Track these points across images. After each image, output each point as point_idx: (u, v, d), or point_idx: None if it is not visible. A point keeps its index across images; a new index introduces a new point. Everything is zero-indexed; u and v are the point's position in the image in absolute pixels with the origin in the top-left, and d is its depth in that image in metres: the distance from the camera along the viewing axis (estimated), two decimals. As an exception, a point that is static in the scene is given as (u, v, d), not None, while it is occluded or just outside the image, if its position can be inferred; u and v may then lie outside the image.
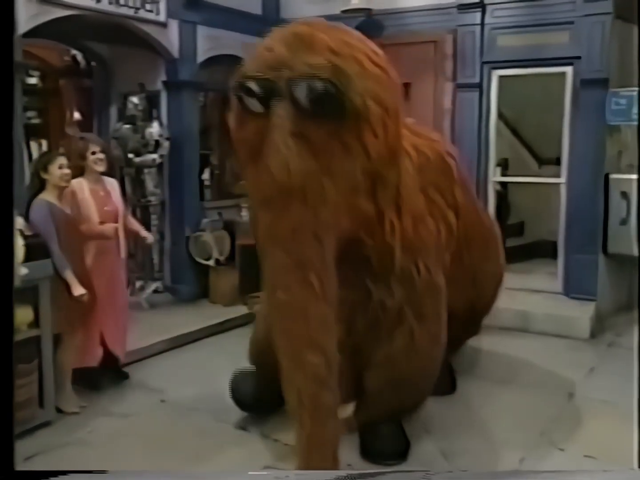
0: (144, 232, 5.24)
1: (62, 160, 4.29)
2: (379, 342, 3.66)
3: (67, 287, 4.23)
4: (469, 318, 4.47)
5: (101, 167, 4.63)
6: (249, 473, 3.16)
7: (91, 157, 4.57)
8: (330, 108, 2.69)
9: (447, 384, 4.65)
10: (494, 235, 4.82)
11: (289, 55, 2.78)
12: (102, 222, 4.60)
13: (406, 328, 3.63)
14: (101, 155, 4.62)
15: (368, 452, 3.77)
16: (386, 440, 3.78)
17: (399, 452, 3.77)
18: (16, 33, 4.92)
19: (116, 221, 4.70)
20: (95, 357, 4.66)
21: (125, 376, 4.98)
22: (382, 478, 3.17)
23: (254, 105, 2.83)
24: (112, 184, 4.83)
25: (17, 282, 3.14)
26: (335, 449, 3.02)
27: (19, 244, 3.31)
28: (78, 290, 4.23)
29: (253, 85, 2.80)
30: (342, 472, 3.19)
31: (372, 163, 2.92)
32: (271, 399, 3.81)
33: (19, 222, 4.01)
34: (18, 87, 5.06)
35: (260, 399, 4.13)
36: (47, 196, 4.26)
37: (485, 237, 4.60)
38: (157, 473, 3.39)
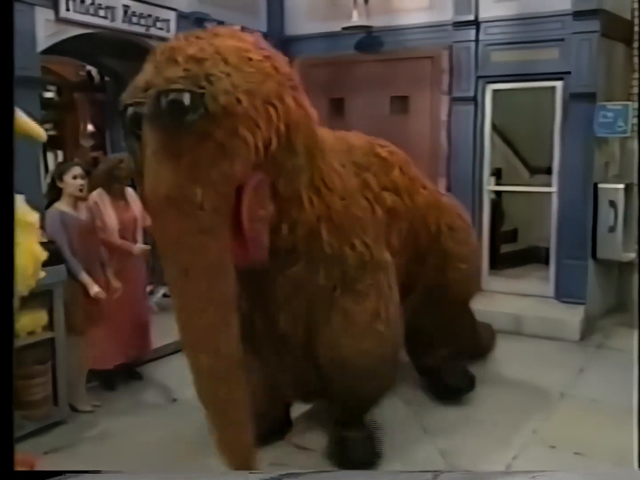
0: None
1: (77, 170, 4.27)
2: (318, 325, 3.49)
3: (83, 290, 4.22)
4: (444, 304, 4.26)
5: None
6: (249, 473, 3.12)
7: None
8: (190, 114, 2.58)
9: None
10: (461, 217, 4.52)
11: (155, 73, 2.72)
12: (122, 229, 4.63)
13: (340, 308, 3.46)
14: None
15: (339, 462, 3.65)
16: (354, 447, 3.66)
17: (368, 461, 3.64)
18: (35, 49, 4.97)
19: (135, 226, 4.75)
20: (112, 360, 4.67)
21: (139, 377, 4.97)
22: (392, 477, 3.14)
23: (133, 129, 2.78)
24: (133, 194, 4.81)
25: (34, 285, 3.14)
26: (249, 446, 3.00)
27: (39, 249, 3.32)
28: (94, 289, 4.22)
29: (129, 111, 2.74)
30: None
31: (262, 154, 2.76)
32: None
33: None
34: (36, 100, 5.06)
35: None
36: (61, 205, 4.25)
37: (452, 220, 4.36)
38: (156, 473, 3.37)
